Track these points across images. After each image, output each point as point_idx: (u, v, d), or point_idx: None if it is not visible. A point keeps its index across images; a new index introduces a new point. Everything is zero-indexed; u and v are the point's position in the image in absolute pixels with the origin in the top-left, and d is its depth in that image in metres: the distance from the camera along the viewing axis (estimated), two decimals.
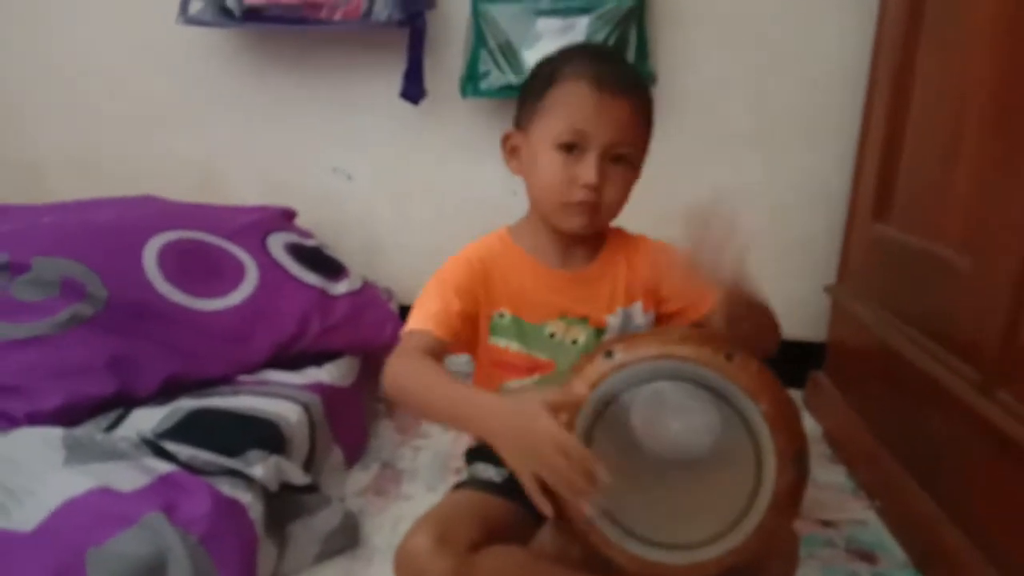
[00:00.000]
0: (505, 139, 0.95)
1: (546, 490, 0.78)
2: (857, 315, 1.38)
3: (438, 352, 0.87)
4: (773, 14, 1.52)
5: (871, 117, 1.43)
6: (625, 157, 0.88)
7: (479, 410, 0.76)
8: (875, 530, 1.13)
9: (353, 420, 1.29)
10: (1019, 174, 0.88)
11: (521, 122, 0.93)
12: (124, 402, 1.08)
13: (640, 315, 0.98)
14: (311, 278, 1.37)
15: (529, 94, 0.91)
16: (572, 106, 0.86)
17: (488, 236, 0.99)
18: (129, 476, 0.86)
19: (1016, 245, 0.88)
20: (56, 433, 0.92)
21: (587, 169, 0.85)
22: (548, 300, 0.94)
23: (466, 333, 0.92)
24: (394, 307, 1.58)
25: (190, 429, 1.00)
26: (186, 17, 1.54)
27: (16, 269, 1.11)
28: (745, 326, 0.84)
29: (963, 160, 1.05)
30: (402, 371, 0.83)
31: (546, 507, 0.73)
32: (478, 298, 0.92)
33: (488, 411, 0.75)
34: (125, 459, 0.89)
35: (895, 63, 1.31)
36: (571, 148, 0.86)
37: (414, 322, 0.89)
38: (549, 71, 0.90)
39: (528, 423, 0.71)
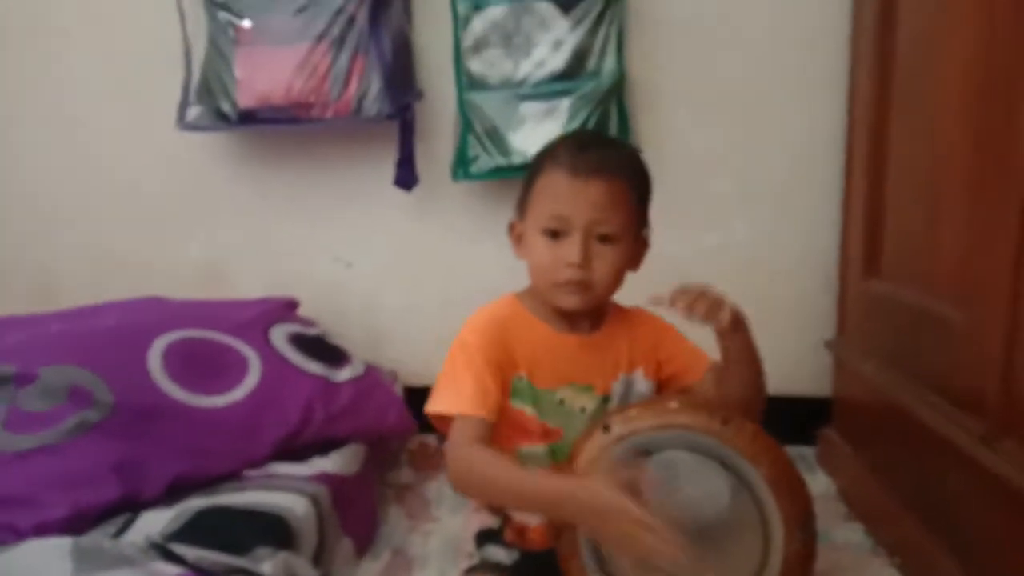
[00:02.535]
0: (511, 228, 1.00)
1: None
2: (859, 369, 1.39)
3: (490, 437, 0.90)
4: (751, 89, 1.58)
5: (851, 178, 1.47)
6: (610, 236, 0.91)
7: (564, 503, 0.81)
8: None
9: (361, 509, 1.28)
10: (1001, 228, 0.90)
11: (520, 210, 0.99)
12: (131, 506, 1.08)
13: (642, 382, 1.00)
14: (314, 367, 1.39)
15: (524, 184, 0.98)
16: (551, 193, 0.91)
17: (496, 302, 1.01)
18: None
19: (1004, 297, 0.89)
20: (64, 543, 0.91)
21: (571, 250, 0.90)
22: (558, 365, 0.97)
23: (501, 402, 0.93)
24: (398, 389, 1.58)
25: (198, 529, 0.99)
26: (184, 123, 1.60)
27: (23, 380, 1.12)
28: (740, 369, 0.92)
29: (946, 217, 1.08)
30: (470, 467, 0.88)
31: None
32: (503, 363, 0.94)
33: (573, 504, 0.80)
34: (134, 565, 0.89)
35: (869, 129, 1.36)
36: (556, 233, 0.91)
37: (452, 405, 0.91)
38: (537, 162, 0.97)
39: (610, 509, 0.76)
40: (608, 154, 0.94)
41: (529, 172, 0.97)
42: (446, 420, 0.92)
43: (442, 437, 0.95)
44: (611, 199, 0.90)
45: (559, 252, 0.91)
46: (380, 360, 1.66)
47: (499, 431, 0.96)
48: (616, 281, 0.95)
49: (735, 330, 0.88)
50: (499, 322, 0.96)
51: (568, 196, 0.90)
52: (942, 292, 1.08)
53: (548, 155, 0.95)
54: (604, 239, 0.91)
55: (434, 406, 0.94)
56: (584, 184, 0.89)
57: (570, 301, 0.93)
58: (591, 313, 0.99)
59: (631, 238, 0.94)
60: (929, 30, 1.17)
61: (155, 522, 1.02)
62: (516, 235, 0.99)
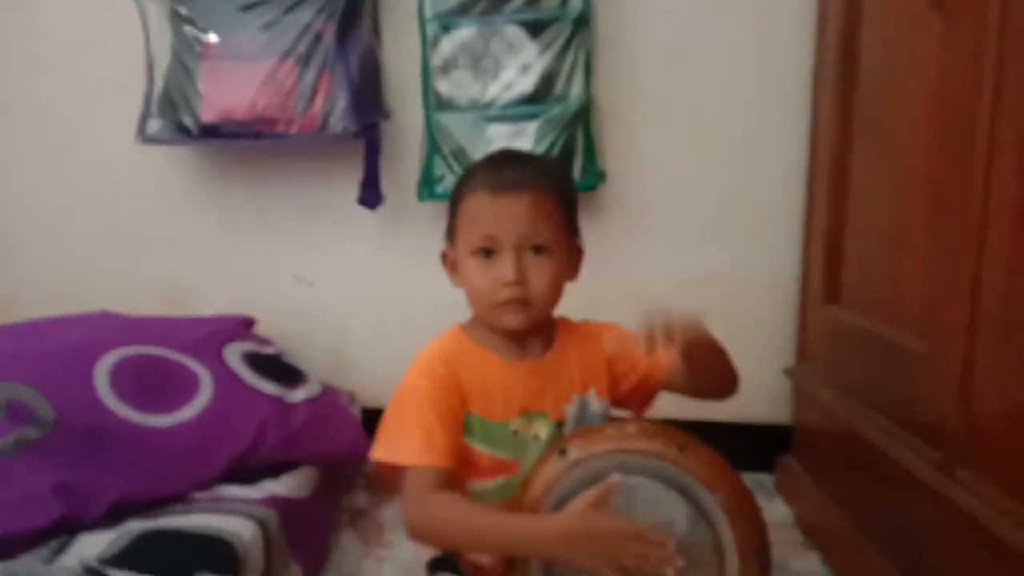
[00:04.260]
0: (443, 257, 0.99)
1: None
2: (818, 397, 1.39)
3: (447, 483, 0.87)
4: (716, 117, 1.59)
5: (813, 207, 1.49)
6: (544, 247, 0.90)
7: (537, 541, 0.80)
8: None
9: (312, 534, 1.24)
10: (960, 259, 0.91)
11: (449, 238, 0.97)
12: (70, 527, 1.03)
13: (595, 402, 0.98)
14: (268, 387, 1.35)
15: (450, 211, 0.96)
16: (476, 216, 0.90)
17: (442, 336, 0.99)
18: None
19: (963, 327, 0.90)
20: None
21: (505, 268, 0.89)
22: (509, 396, 0.94)
23: (453, 448, 0.90)
24: (356, 411, 1.55)
25: (137, 553, 0.95)
26: (144, 136, 1.57)
27: None
28: (705, 370, 0.89)
29: (906, 247, 1.09)
30: (430, 515, 0.85)
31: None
32: (453, 405, 0.91)
33: (546, 539, 0.79)
34: None
35: (831, 160, 1.38)
36: (488, 252, 0.90)
37: (401, 455, 0.88)
38: (458, 188, 0.96)
39: (588, 530, 0.76)
40: (526, 169, 0.92)
41: (452, 199, 0.96)
42: (394, 467, 0.88)
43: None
44: (536, 211, 0.89)
45: (493, 272, 0.89)
46: (340, 380, 1.63)
47: None
48: (555, 293, 0.93)
49: (689, 352, 0.83)
50: (447, 360, 0.93)
51: (492, 215, 0.89)
52: (902, 321, 1.09)
53: (467, 179, 0.94)
54: (537, 250, 0.90)
55: (382, 454, 0.90)
56: (507, 201, 0.88)
57: (512, 320, 0.91)
58: (539, 333, 0.97)
59: (564, 247, 0.93)
60: (890, 65, 1.19)
61: (93, 545, 0.98)
62: (450, 263, 0.97)
